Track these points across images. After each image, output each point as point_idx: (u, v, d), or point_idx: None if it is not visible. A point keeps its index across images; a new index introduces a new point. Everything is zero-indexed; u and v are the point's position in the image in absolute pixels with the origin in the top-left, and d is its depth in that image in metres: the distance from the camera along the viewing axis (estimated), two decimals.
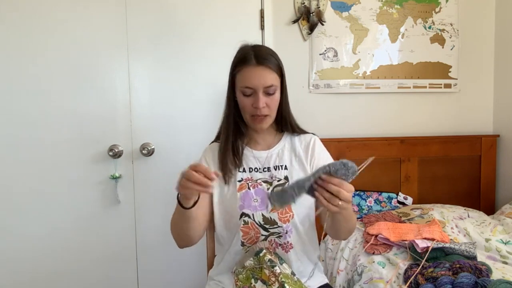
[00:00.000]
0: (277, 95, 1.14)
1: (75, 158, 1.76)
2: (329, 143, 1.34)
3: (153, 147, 1.82)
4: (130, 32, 1.78)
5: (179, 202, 1.03)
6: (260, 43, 1.88)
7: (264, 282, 1.02)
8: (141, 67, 1.81)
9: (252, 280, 1.04)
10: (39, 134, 1.73)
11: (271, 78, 1.10)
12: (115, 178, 1.79)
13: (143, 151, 1.80)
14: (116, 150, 1.77)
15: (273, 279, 1.02)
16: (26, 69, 1.70)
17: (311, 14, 2.04)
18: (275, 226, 1.13)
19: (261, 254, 1.06)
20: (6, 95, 1.70)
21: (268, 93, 1.11)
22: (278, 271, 1.03)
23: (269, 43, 1.90)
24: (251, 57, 1.10)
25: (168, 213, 1.84)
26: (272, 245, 1.14)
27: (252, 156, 1.21)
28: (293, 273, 1.09)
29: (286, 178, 1.17)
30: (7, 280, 1.74)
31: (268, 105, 1.12)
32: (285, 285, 1.00)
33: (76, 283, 1.81)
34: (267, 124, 1.16)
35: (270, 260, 1.04)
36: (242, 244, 1.14)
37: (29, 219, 1.75)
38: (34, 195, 1.74)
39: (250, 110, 1.13)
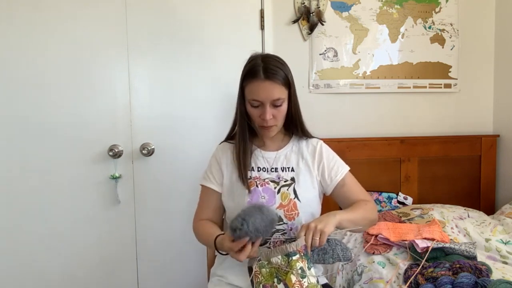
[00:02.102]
0: (284, 106, 1.18)
1: (75, 158, 1.77)
2: (329, 143, 1.34)
3: (153, 147, 1.82)
4: (130, 32, 1.78)
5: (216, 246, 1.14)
6: (260, 43, 1.88)
7: (286, 286, 0.98)
8: (141, 67, 1.81)
9: (275, 280, 1.00)
10: (39, 134, 1.73)
11: (278, 92, 1.14)
12: (115, 178, 1.79)
13: (143, 151, 1.80)
14: (116, 150, 1.77)
15: None
16: (26, 69, 1.70)
17: (311, 14, 2.04)
18: (281, 223, 1.17)
19: (294, 258, 1.00)
20: (6, 95, 1.70)
21: (275, 105, 1.16)
22: (306, 284, 0.97)
23: (269, 43, 1.90)
24: (260, 70, 1.13)
25: (168, 212, 1.86)
26: (276, 242, 1.17)
27: (261, 156, 1.26)
28: (317, 281, 1.03)
29: (292, 179, 1.22)
30: (7, 280, 1.74)
31: (275, 116, 1.17)
32: None
33: (76, 283, 1.81)
34: (274, 133, 1.23)
35: (301, 268, 0.99)
36: None
37: (29, 219, 1.75)
38: (34, 195, 1.74)
39: (257, 121, 1.19)
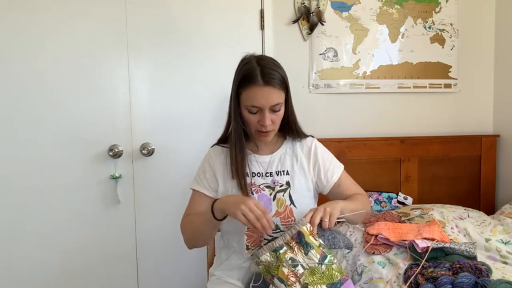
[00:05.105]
0: (282, 110, 1.16)
1: (75, 158, 1.77)
2: (329, 143, 1.34)
3: (153, 147, 1.82)
4: (130, 32, 1.78)
5: (213, 213, 1.09)
6: (260, 43, 1.88)
7: (281, 280, 0.97)
8: (141, 67, 1.81)
9: (269, 276, 1.00)
10: (39, 134, 1.73)
11: (277, 97, 1.11)
12: (115, 178, 1.79)
13: (143, 151, 1.80)
14: (116, 150, 1.77)
15: (293, 279, 0.96)
16: (26, 69, 1.70)
17: (311, 14, 2.04)
18: (278, 230, 1.14)
19: (281, 251, 0.99)
20: (6, 95, 1.70)
21: (273, 110, 1.13)
22: (301, 271, 0.96)
23: (269, 43, 1.90)
24: (257, 75, 1.09)
25: (168, 212, 1.86)
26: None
27: (255, 161, 1.23)
28: (325, 257, 1.01)
29: (287, 183, 1.20)
30: (7, 279, 1.74)
31: (273, 121, 1.15)
32: (309, 287, 0.95)
33: (76, 283, 1.81)
34: (271, 138, 1.20)
35: (291, 258, 0.98)
36: (247, 247, 1.14)
37: (29, 218, 1.75)
38: (34, 195, 1.74)
39: (255, 126, 1.15)
